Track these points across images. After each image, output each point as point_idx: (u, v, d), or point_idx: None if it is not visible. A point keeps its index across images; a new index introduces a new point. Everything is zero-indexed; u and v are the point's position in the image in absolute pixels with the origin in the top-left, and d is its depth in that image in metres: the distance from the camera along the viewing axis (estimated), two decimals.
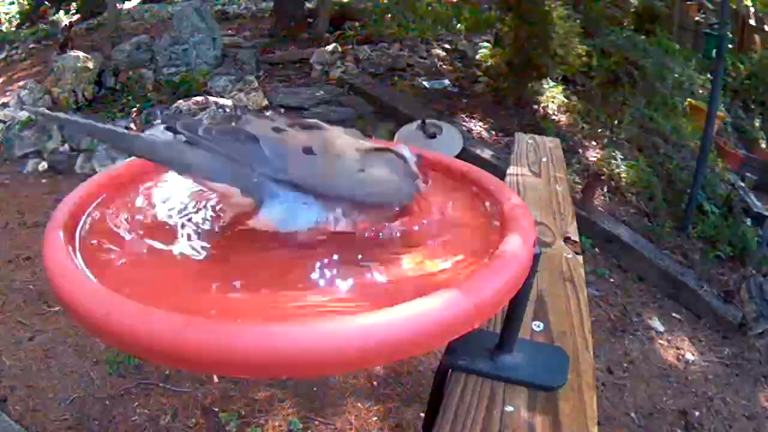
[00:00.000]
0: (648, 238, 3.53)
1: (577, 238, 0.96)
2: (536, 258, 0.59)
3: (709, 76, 4.89)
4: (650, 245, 3.46)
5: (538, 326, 0.74)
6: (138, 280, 0.57)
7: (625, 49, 4.52)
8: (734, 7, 6.04)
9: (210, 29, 4.92)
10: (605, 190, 3.90)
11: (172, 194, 0.72)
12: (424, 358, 2.26)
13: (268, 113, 0.67)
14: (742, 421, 2.43)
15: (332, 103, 4.40)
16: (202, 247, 0.63)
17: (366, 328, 0.44)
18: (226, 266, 0.60)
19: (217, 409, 2.00)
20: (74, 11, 6.86)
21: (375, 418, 2.03)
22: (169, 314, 0.46)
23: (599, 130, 4.44)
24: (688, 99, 4.92)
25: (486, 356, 0.67)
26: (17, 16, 7.15)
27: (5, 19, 7.05)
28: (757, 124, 5.88)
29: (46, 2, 7.06)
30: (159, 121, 4.02)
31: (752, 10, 6.66)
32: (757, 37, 6.68)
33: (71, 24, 5.92)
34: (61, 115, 0.61)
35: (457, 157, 0.95)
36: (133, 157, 0.81)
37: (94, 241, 0.62)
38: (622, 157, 4.14)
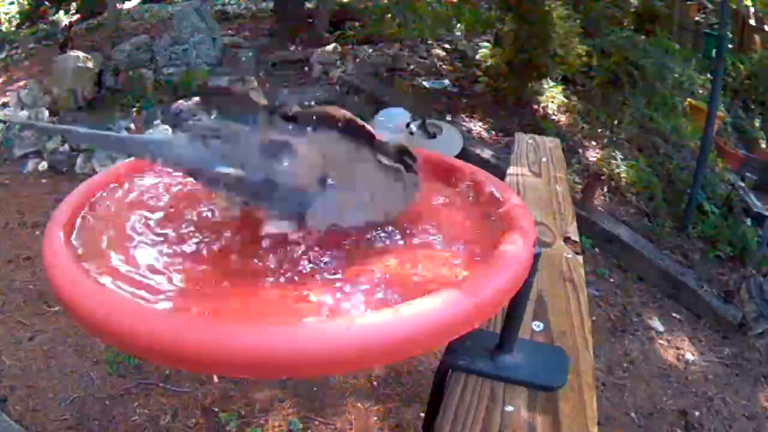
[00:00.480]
0: (648, 238, 3.53)
1: (577, 238, 0.96)
2: (536, 258, 0.59)
3: (709, 76, 4.89)
4: (650, 245, 3.46)
5: (538, 326, 0.74)
6: (138, 279, 0.57)
7: (625, 49, 4.52)
8: (734, 7, 6.03)
9: (210, 29, 4.91)
10: (605, 190, 3.90)
11: (171, 193, 0.72)
12: (424, 358, 2.26)
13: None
14: (742, 421, 2.43)
15: (332, 104, 4.39)
16: (202, 246, 0.63)
17: (366, 328, 0.44)
18: (226, 265, 0.60)
19: (217, 409, 2.00)
20: (74, 11, 6.86)
21: (375, 418, 2.03)
22: (169, 314, 0.46)
23: (599, 130, 4.44)
24: (688, 99, 4.92)
25: (486, 356, 0.67)
26: (17, 16, 7.14)
27: (5, 19, 7.04)
28: (757, 124, 5.88)
29: (46, 2, 7.06)
30: (159, 121, 4.02)
31: (752, 10, 6.65)
32: (757, 37, 6.68)
33: (71, 24, 5.92)
34: (50, 126, 0.61)
35: (457, 157, 0.95)
36: (132, 157, 0.82)
37: (95, 241, 0.62)
38: (622, 157, 4.14)
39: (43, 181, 3.58)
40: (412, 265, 0.62)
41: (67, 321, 2.27)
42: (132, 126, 3.99)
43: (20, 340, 2.27)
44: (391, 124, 0.73)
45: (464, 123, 4.34)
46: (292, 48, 5.36)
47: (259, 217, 0.60)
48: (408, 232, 0.68)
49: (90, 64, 4.33)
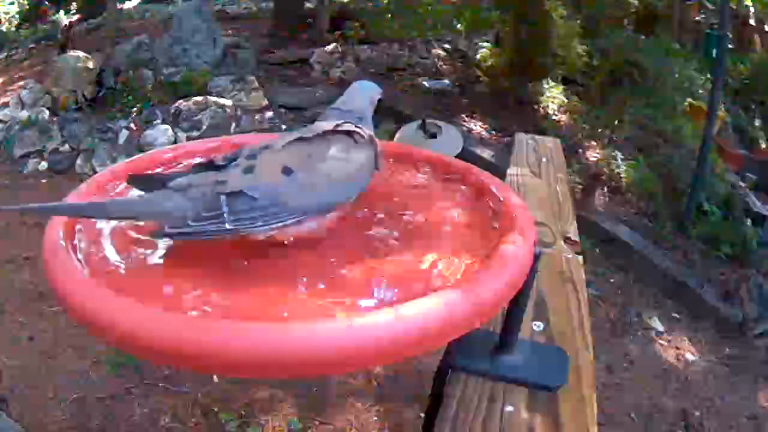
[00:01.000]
0: (648, 238, 3.53)
1: (577, 238, 0.96)
2: (536, 258, 0.59)
3: (709, 76, 4.88)
4: (650, 245, 3.46)
5: (538, 326, 0.74)
6: (138, 279, 0.57)
7: (625, 49, 4.51)
8: (734, 7, 6.03)
9: (210, 29, 4.91)
10: (605, 190, 3.90)
11: None
12: (424, 358, 2.26)
13: (219, 156, 0.65)
14: (742, 421, 2.43)
15: (332, 104, 4.39)
16: (202, 246, 0.63)
17: (366, 328, 0.44)
18: (226, 265, 0.60)
19: (217, 409, 2.00)
20: (74, 11, 6.86)
21: (375, 418, 2.03)
22: (170, 314, 0.46)
23: (599, 130, 4.44)
24: (688, 99, 4.92)
25: (486, 356, 0.67)
26: (17, 16, 7.14)
27: (5, 19, 7.04)
28: (757, 124, 5.88)
29: (46, 2, 7.06)
30: (159, 121, 4.02)
31: (752, 10, 6.65)
32: (757, 37, 6.68)
33: (71, 24, 5.92)
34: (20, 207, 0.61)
35: (457, 157, 0.95)
36: (133, 157, 0.82)
37: (95, 241, 0.62)
38: (622, 157, 4.13)
39: (43, 181, 3.58)
40: (413, 265, 0.62)
41: (67, 321, 2.27)
42: (132, 126, 3.99)
43: (20, 340, 2.27)
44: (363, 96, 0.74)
45: (464, 123, 4.34)
46: (292, 48, 5.36)
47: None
48: (408, 232, 0.68)
49: (90, 64, 4.33)
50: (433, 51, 5.45)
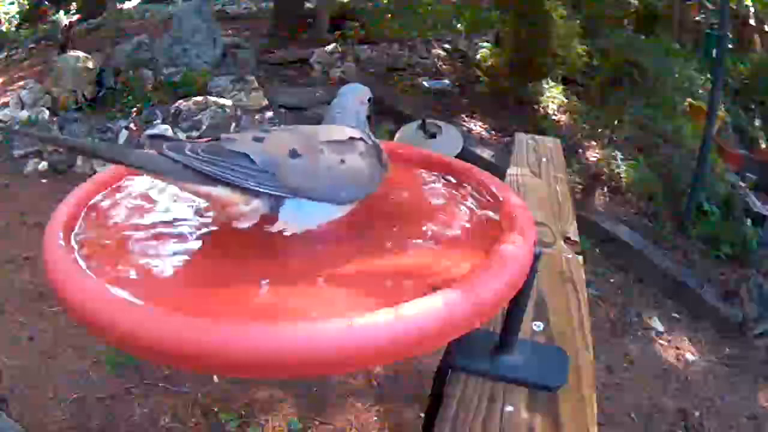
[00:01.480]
0: (648, 238, 3.53)
1: (577, 238, 0.96)
2: (536, 258, 0.59)
3: (709, 76, 4.88)
4: (650, 245, 3.46)
5: (538, 326, 0.74)
6: (138, 279, 0.57)
7: (625, 49, 4.51)
8: (734, 7, 6.03)
9: (210, 29, 4.91)
10: (605, 190, 3.90)
11: (170, 194, 0.72)
12: (424, 358, 2.26)
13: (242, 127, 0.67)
14: (742, 421, 2.43)
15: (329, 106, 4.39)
16: (202, 246, 0.63)
17: (366, 328, 0.44)
18: (225, 264, 0.60)
19: (217, 409, 2.00)
20: (74, 11, 6.85)
21: (375, 418, 2.03)
22: (170, 314, 0.46)
23: (599, 130, 4.44)
24: (688, 99, 4.91)
25: (486, 356, 0.67)
26: (17, 16, 7.14)
27: (5, 19, 7.04)
28: (757, 124, 5.88)
29: (46, 2, 7.05)
30: (159, 121, 4.02)
31: (752, 10, 6.65)
32: (757, 37, 6.68)
33: (71, 24, 5.91)
34: (52, 136, 0.62)
35: (457, 157, 0.95)
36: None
37: (95, 241, 0.62)
38: (622, 157, 4.13)
39: (43, 181, 3.58)
40: (413, 265, 0.62)
41: (67, 321, 2.27)
42: (132, 126, 3.99)
43: (20, 340, 2.27)
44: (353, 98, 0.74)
45: (464, 123, 4.34)
46: (292, 48, 5.36)
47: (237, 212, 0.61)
48: (407, 232, 0.68)
49: (90, 64, 4.32)
50: (433, 51, 5.45)
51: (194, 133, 3.93)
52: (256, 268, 0.59)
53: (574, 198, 3.00)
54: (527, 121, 4.31)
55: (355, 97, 0.75)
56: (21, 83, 4.56)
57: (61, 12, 6.72)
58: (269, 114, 4.29)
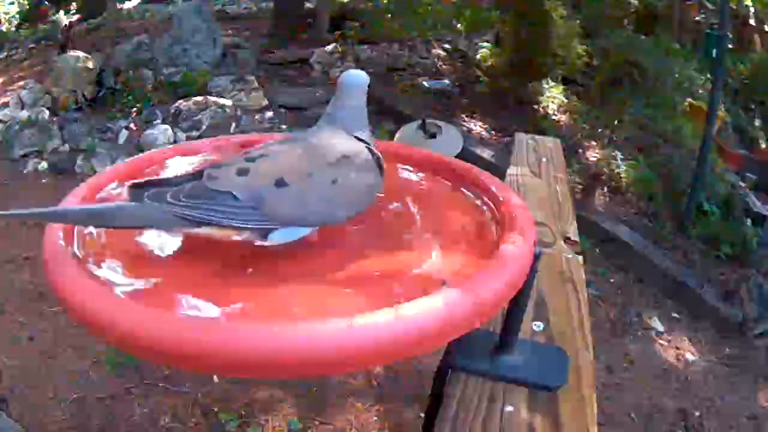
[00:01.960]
0: (648, 238, 3.53)
1: (577, 238, 0.96)
2: (536, 258, 0.59)
3: (709, 76, 4.88)
4: (650, 245, 3.46)
5: (538, 326, 0.74)
6: (138, 279, 0.57)
7: (625, 49, 4.51)
8: (734, 7, 6.03)
9: (210, 29, 4.91)
10: (605, 190, 3.90)
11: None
12: (424, 358, 2.26)
13: (222, 160, 0.65)
14: (742, 421, 2.43)
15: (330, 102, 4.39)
16: (201, 246, 0.63)
17: (366, 328, 0.44)
18: (225, 265, 0.60)
19: (217, 409, 2.00)
20: (74, 11, 6.85)
21: (375, 418, 2.03)
22: (170, 314, 0.46)
23: (599, 130, 4.44)
24: (688, 99, 4.91)
25: (486, 356, 0.67)
26: (17, 16, 7.14)
27: (5, 19, 7.04)
28: (757, 124, 5.87)
29: (46, 2, 7.05)
30: (159, 121, 4.02)
31: (752, 10, 6.65)
32: (757, 37, 6.67)
33: (71, 24, 5.91)
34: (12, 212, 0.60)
35: (457, 157, 0.95)
36: (133, 158, 0.82)
37: (95, 241, 0.62)
38: (622, 157, 4.13)
39: (43, 181, 3.58)
40: (413, 265, 0.62)
41: (67, 321, 2.27)
42: (132, 126, 3.99)
43: (20, 340, 2.27)
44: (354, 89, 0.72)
45: (464, 123, 4.34)
46: (292, 48, 5.36)
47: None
48: (407, 232, 0.68)
49: (90, 64, 4.32)
50: (433, 51, 5.45)
51: (194, 133, 3.93)
52: (255, 270, 0.59)
53: (574, 198, 3.00)
54: (527, 121, 4.31)
55: (361, 90, 0.70)
56: (21, 83, 4.56)
57: (61, 12, 6.72)
58: (269, 114, 4.29)
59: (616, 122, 4.43)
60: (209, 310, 0.52)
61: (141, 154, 0.84)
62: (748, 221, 3.82)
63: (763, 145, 5.64)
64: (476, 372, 0.65)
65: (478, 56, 5.09)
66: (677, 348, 2.82)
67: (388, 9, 5.43)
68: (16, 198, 3.30)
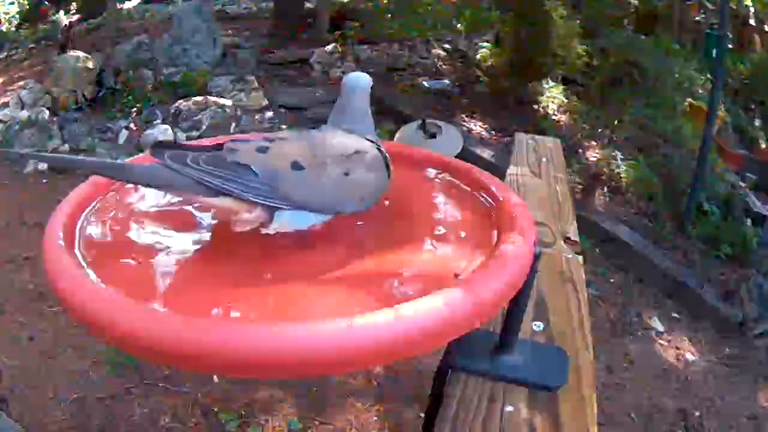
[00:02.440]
0: (648, 238, 3.53)
1: (577, 238, 0.96)
2: (536, 258, 0.59)
3: (709, 76, 4.88)
4: (650, 245, 3.46)
5: (538, 326, 0.74)
6: (138, 279, 0.57)
7: (625, 49, 4.51)
8: (734, 7, 6.03)
9: (210, 29, 4.91)
10: (605, 190, 3.90)
11: (170, 195, 0.72)
12: (424, 358, 2.25)
13: (249, 136, 0.67)
14: (742, 421, 2.43)
15: (332, 103, 4.38)
16: (201, 246, 0.63)
17: (366, 328, 0.44)
18: (224, 265, 0.60)
19: (217, 409, 2.00)
20: (74, 11, 6.85)
21: (375, 418, 2.03)
22: (170, 314, 0.46)
23: (599, 130, 4.44)
24: (688, 99, 4.91)
25: (486, 356, 0.67)
26: (17, 16, 7.14)
27: (5, 19, 7.04)
28: (757, 124, 5.88)
29: (46, 2, 7.05)
30: (159, 121, 4.02)
31: (752, 10, 6.65)
32: (757, 37, 6.68)
33: (71, 24, 5.91)
34: (50, 155, 0.63)
35: (457, 157, 0.95)
36: (132, 157, 0.82)
37: (95, 241, 0.62)
38: (622, 157, 4.13)
39: (43, 181, 3.58)
40: (413, 265, 0.62)
41: (67, 321, 2.27)
42: (132, 126, 3.99)
43: (20, 340, 2.27)
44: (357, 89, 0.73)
45: (464, 123, 4.34)
46: (292, 48, 5.36)
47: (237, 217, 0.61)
48: (407, 232, 0.68)
49: (90, 64, 4.32)
50: (433, 51, 5.45)
51: (194, 133, 3.93)
52: (256, 268, 0.59)
53: (574, 198, 3.00)
54: (527, 121, 4.31)
55: (364, 92, 0.72)
56: (21, 83, 4.56)
57: (61, 12, 6.71)
58: (269, 114, 4.29)
59: (616, 122, 4.43)
60: (209, 309, 0.52)
61: (142, 154, 0.84)
62: (748, 221, 3.82)
63: (763, 145, 5.64)
64: (476, 372, 0.65)
65: (478, 56, 5.09)
66: (677, 348, 2.82)
67: (388, 9, 5.43)
68: (16, 198, 3.30)
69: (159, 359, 0.47)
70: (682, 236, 3.66)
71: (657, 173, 4.11)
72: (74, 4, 7.00)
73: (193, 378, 2.09)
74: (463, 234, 0.68)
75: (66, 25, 5.86)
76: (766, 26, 6.75)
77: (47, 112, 4.06)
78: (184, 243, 0.63)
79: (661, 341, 2.84)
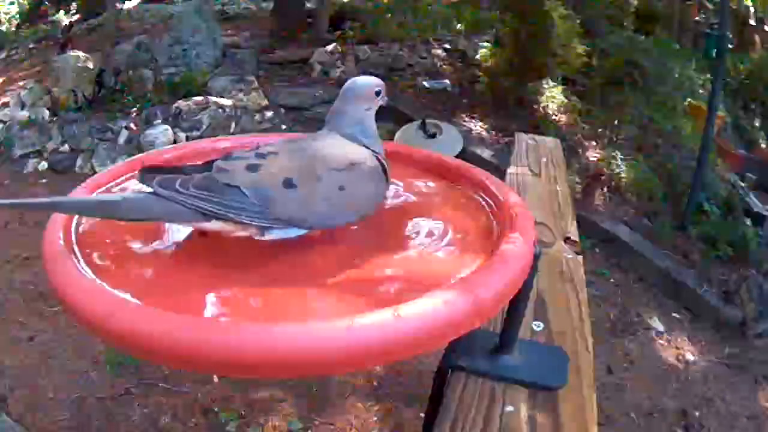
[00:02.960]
0: (648, 238, 3.53)
1: (577, 238, 0.96)
2: (536, 258, 0.59)
3: (709, 76, 4.88)
4: (650, 245, 3.45)
5: (538, 326, 0.74)
6: (138, 279, 0.57)
7: (625, 49, 4.51)
8: (734, 7, 6.03)
9: (210, 29, 4.91)
10: (605, 190, 3.90)
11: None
12: (424, 358, 2.25)
13: (234, 153, 0.65)
14: (742, 421, 2.43)
15: (332, 103, 4.38)
16: (201, 247, 0.63)
17: (366, 328, 0.44)
18: (225, 265, 0.60)
19: (217, 409, 2.00)
20: (74, 11, 6.85)
21: (375, 418, 2.03)
22: (169, 314, 0.46)
23: (599, 130, 4.44)
24: (688, 99, 4.91)
25: (486, 356, 0.67)
26: (17, 16, 7.14)
27: (5, 19, 7.04)
28: (757, 124, 5.88)
29: (46, 2, 7.06)
30: (159, 121, 4.02)
31: (752, 10, 6.65)
32: (757, 37, 6.68)
33: (71, 24, 5.91)
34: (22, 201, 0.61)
35: (457, 157, 0.95)
36: (132, 158, 0.82)
37: (94, 241, 0.62)
38: (622, 157, 4.13)
39: (43, 181, 3.58)
40: (413, 265, 0.62)
41: (67, 321, 2.27)
42: (132, 126, 3.99)
43: (20, 340, 2.27)
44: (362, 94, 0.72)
45: (464, 123, 4.34)
46: (292, 48, 5.36)
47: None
48: (407, 232, 0.68)
49: (90, 64, 4.32)
50: (433, 51, 5.45)
51: (194, 133, 3.93)
52: (255, 269, 0.59)
53: (574, 198, 3.00)
54: (527, 121, 4.31)
55: (358, 98, 0.70)
56: (21, 83, 4.56)
57: (61, 12, 6.72)
58: (269, 114, 4.29)
59: (616, 122, 4.43)
60: (209, 310, 0.52)
61: (141, 154, 0.84)
62: (748, 221, 3.82)
63: (763, 145, 5.64)
64: (476, 372, 0.65)
65: (478, 56, 5.09)
66: (677, 348, 2.82)
67: (388, 9, 5.43)
68: (16, 198, 3.30)
69: (159, 359, 0.47)
70: (682, 236, 3.66)
71: (657, 173, 4.11)
72: (74, 4, 7.00)
73: (193, 378, 2.09)
74: (462, 234, 0.68)
75: (66, 25, 5.86)
76: (766, 26, 6.76)
77: (47, 112, 4.06)
78: (183, 243, 0.63)
79: (661, 341, 2.84)
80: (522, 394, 0.63)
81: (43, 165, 3.73)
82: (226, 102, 4.18)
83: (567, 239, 0.95)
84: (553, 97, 4.62)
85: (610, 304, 3.01)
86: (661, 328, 2.93)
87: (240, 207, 0.58)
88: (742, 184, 4.49)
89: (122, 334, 0.45)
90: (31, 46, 5.87)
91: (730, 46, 4.61)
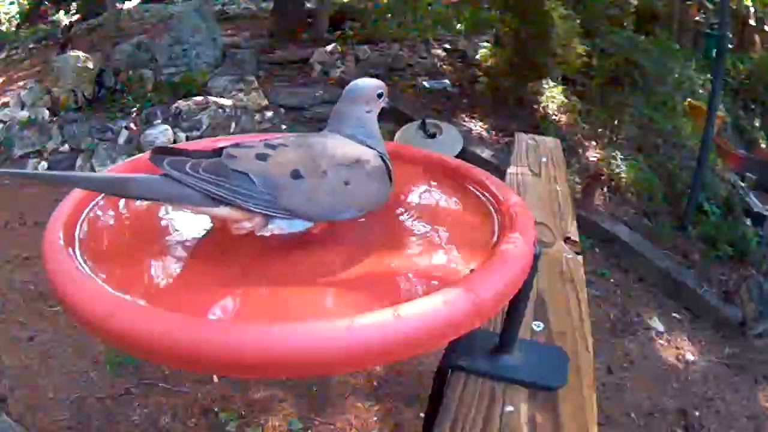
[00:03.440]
0: (648, 238, 3.53)
1: (577, 238, 0.96)
2: (536, 258, 0.59)
3: (709, 76, 4.89)
4: (650, 245, 3.46)
5: (538, 326, 0.74)
6: (138, 279, 0.57)
7: (625, 49, 4.51)
8: (734, 7, 6.03)
9: (210, 29, 4.91)
10: (605, 190, 3.90)
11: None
12: (424, 358, 2.25)
13: (248, 140, 0.65)
14: (742, 421, 2.43)
15: (332, 103, 4.37)
16: (201, 247, 0.63)
17: (366, 328, 0.44)
18: (224, 265, 0.60)
19: (217, 409, 1.99)
20: (74, 11, 6.85)
21: (375, 418, 2.03)
22: (169, 314, 0.46)
23: (599, 130, 4.44)
24: (688, 99, 4.92)
25: (486, 356, 0.67)
26: (17, 16, 7.14)
27: (5, 19, 7.04)
28: (757, 124, 5.88)
29: (46, 2, 7.06)
30: (159, 121, 4.02)
31: (752, 10, 6.65)
32: (757, 37, 6.68)
33: (71, 24, 5.92)
34: (41, 173, 0.61)
35: (457, 157, 0.95)
36: (133, 157, 0.82)
37: (94, 241, 0.62)
38: (622, 157, 4.13)
39: None
40: (413, 264, 0.62)
41: (67, 321, 2.27)
42: (132, 126, 3.99)
43: (20, 340, 2.27)
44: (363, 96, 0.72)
45: (464, 123, 4.34)
46: (292, 48, 5.36)
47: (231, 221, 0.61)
48: (407, 232, 0.68)
49: (90, 64, 4.33)
50: (433, 51, 5.45)
51: (194, 133, 3.93)
52: (255, 269, 0.59)
53: (574, 198, 3.00)
54: (527, 121, 4.31)
55: (360, 100, 0.70)
56: (21, 83, 4.56)
57: (61, 12, 6.72)
58: (269, 114, 4.29)
59: (616, 122, 4.43)
60: (209, 310, 0.52)
61: (142, 154, 0.84)
62: (748, 221, 3.82)
63: (763, 145, 5.65)
64: (476, 372, 0.65)
65: (478, 56, 5.09)
66: (677, 348, 2.82)
67: (388, 9, 5.43)
68: (16, 198, 3.30)
69: (159, 359, 0.47)
70: (682, 236, 3.66)
71: (657, 173, 4.11)
72: (74, 4, 7.00)
73: (193, 378, 2.09)
74: (463, 234, 0.68)
75: (66, 25, 5.86)
76: (766, 26, 6.75)
77: (47, 112, 4.06)
78: (183, 242, 0.63)
79: (661, 341, 2.84)
80: (522, 394, 0.63)
81: (43, 165, 3.73)
82: (226, 102, 4.18)
83: (567, 239, 0.95)
84: (553, 97, 4.62)
85: (610, 304, 3.01)
86: (661, 328, 2.93)
87: (247, 194, 0.58)
88: (742, 184, 4.49)
89: (122, 334, 0.45)
90: (31, 46, 5.87)
91: (730, 46, 4.61)
